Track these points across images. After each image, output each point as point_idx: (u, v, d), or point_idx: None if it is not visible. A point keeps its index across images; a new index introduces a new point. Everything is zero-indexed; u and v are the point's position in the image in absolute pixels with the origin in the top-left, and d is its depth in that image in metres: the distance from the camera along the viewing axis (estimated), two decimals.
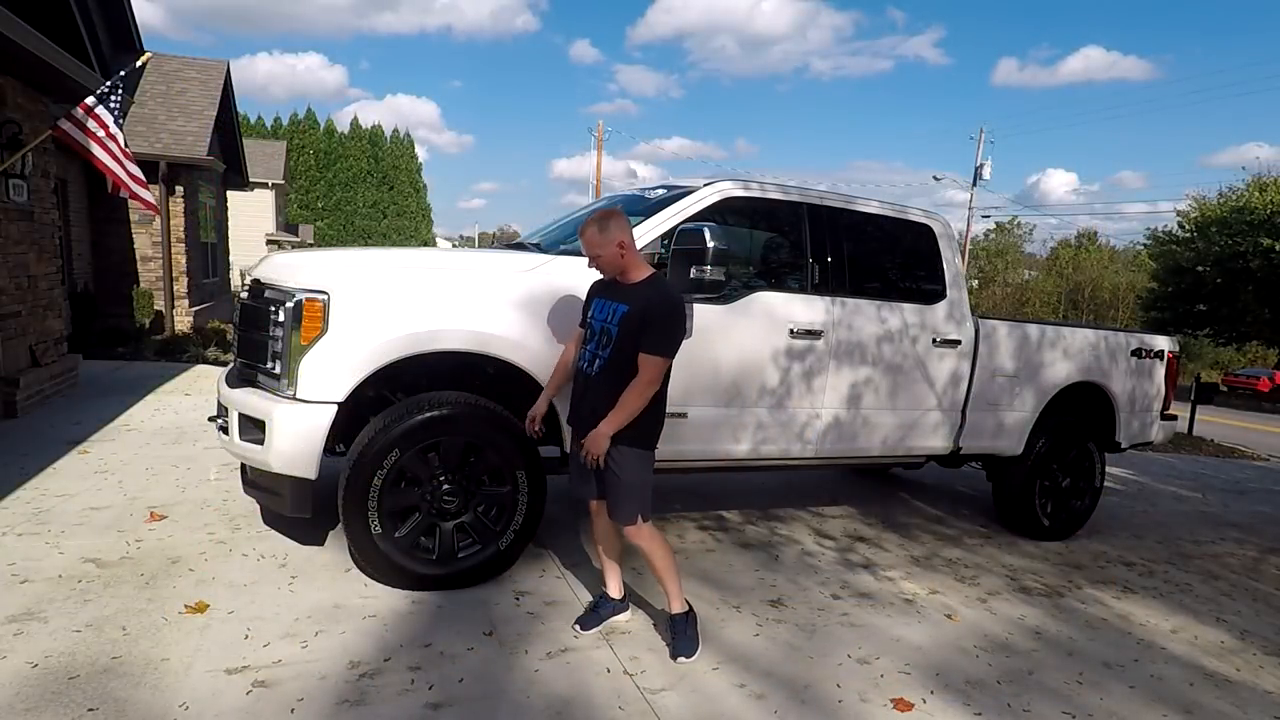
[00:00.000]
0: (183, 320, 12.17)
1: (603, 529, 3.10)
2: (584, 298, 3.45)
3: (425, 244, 43.20)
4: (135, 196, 6.32)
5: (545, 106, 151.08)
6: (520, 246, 4.38)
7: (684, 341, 3.65)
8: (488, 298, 3.28)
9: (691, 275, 3.26)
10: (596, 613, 3.15)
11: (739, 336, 3.77)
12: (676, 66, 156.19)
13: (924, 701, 2.81)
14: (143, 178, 6.37)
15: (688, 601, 3.05)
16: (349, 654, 2.73)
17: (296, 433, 3.02)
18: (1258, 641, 3.77)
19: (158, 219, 11.64)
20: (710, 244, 3.22)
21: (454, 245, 51.92)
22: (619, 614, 3.19)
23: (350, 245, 37.76)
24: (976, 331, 4.58)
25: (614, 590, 3.20)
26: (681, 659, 2.91)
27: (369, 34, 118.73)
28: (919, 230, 4.52)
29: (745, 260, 4.11)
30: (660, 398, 2.87)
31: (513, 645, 2.91)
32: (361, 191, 44.30)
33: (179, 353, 10.00)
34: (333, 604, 3.09)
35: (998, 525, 5.27)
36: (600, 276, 2.98)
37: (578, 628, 3.08)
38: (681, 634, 2.98)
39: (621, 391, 2.77)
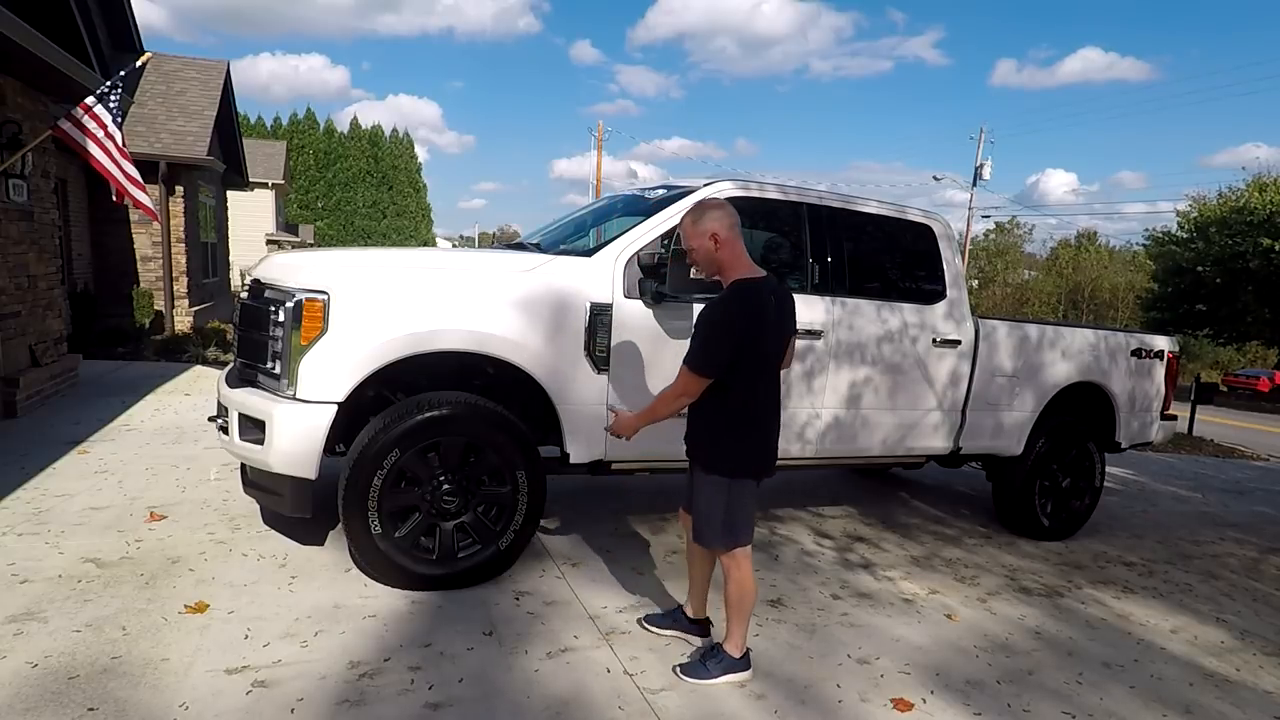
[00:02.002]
0: (183, 320, 12.17)
1: (688, 541, 2.99)
2: (583, 299, 3.46)
3: (425, 244, 43.21)
4: (135, 201, 6.27)
5: (546, 107, 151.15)
6: (520, 246, 4.38)
7: (684, 342, 3.66)
8: (487, 298, 3.28)
9: (691, 275, 3.26)
10: (670, 616, 3.12)
11: None
12: (677, 67, 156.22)
13: (924, 701, 2.81)
14: (140, 180, 6.35)
15: (748, 650, 2.85)
16: (349, 654, 2.73)
17: (296, 433, 3.02)
18: (1258, 641, 3.77)
19: (157, 220, 11.63)
20: None
21: (454, 245, 51.91)
22: (691, 634, 3.07)
23: (350, 245, 37.78)
24: (976, 331, 4.58)
25: (691, 610, 3.09)
26: (683, 675, 2.78)
27: (371, 35, 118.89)
28: (919, 230, 4.52)
29: None
30: (736, 422, 2.64)
31: (513, 645, 2.91)
32: (361, 191, 44.32)
33: (179, 353, 10.00)
34: (333, 604, 3.09)
35: (998, 525, 5.27)
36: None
37: (645, 623, 3.10)
38: (711, 659, 2.81)
39: (701, 407, 2.68)
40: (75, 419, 5.94)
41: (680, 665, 2.84)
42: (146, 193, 6.45)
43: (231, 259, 17.53)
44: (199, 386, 7.81)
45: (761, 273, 2.69)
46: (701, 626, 3.08)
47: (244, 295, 3.48)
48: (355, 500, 3.09)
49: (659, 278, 3.44)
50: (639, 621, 3.14)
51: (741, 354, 2.58)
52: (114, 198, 6.42)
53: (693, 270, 3.26)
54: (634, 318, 3.51)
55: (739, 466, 2.69)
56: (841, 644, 3.21)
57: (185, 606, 2.97)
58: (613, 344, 3.47)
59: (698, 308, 3.57)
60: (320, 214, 42.86)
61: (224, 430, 3.30)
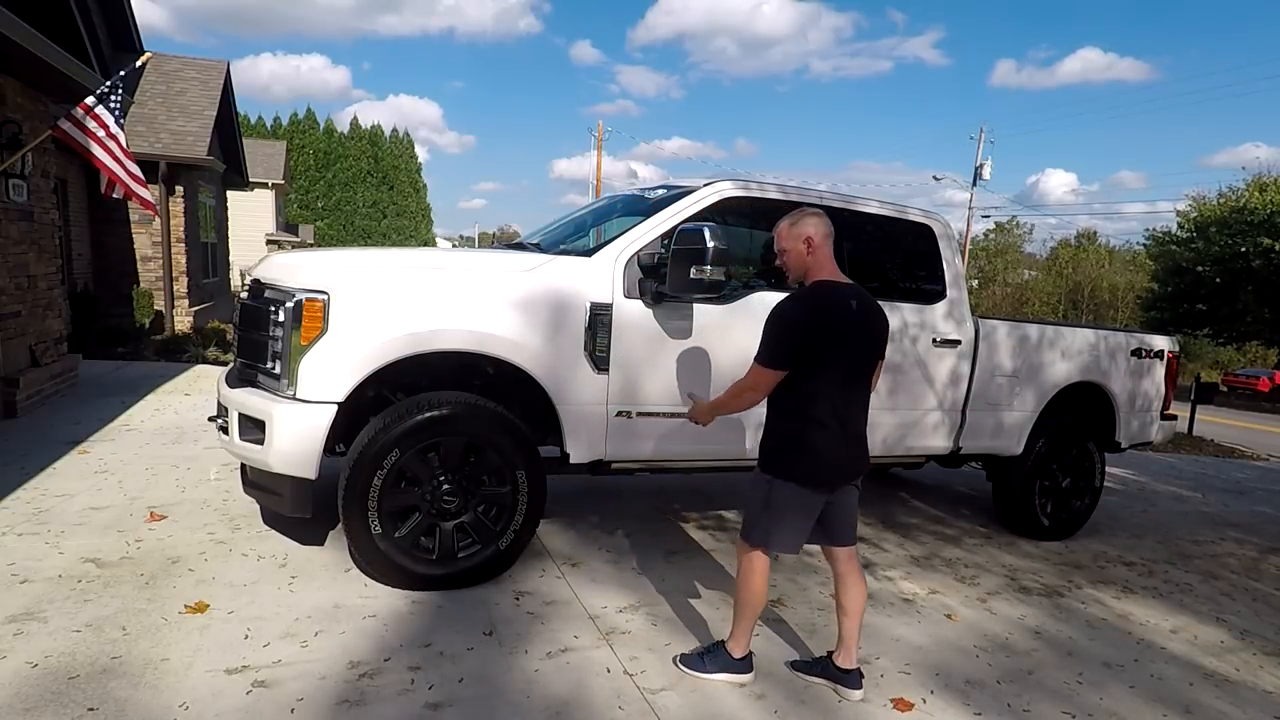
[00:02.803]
0: (183, 320, 12.17)
1: (836, 577, 2.86)
2: (583, 299, 3.45)
3: (425, 244, 43.21)
4: (133, 195, 6.27)
5: (546, 107, 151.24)
6: (520, 246, 4.38)
7: (684, 341, 3.65)
8: (487, 298, 3.28)
9: (691, 275, 3.27)
10: (818, 663, 2.91)
11: (739, 336, 3.76)
12: (677, 67, 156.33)
13: (924, 701, 2.81)
14: (142, 177, 6.36)
15: (751, 652, 2.83)
16: (349, 654, 2.73)
17: (296, 433, 3.02)
18: (1257, 641, 3.77)
19: (157, 219, 11.64)
20: (710, 244, 3.22)
21: (454, 245, 51.91)
22: (841, 685, 2.80)
23: (350, 245, 37.77)
24: (976, 331, 4.58)
25: (841, 660, 2.82)
26: (682, 666, 2.82)
27: (371, 35, 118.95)
28: (919, 230, 4.52)
29: (745, 260, 4.11)
30: (792, 424, 2.61)
31: (513, 645, 2.91)
32: (361, 191, 44.32)
33: (179, 353, 10.00)
34: (333, 604, 3.09)
35: (998, 525, 5.27)
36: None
37: (794, 670, 2.90)
38: (709, 656, 2.81)
39: (773, 404, 2.67)
40: (75, 419, 5.94)
41: (680, 655, 2.88)
42: (148, 189, 6.44)
43: (231, 259, 17.52)
44: (199, 386, 7.81)
45: (847, 280, 2.69)
46: (852, 675, 2.81)
47: (244, 295, 3.48)
48: (355, 500, 3.09)
49: (659, 278, 3.44)
50: (789, 665, 2.95)
51: (805, 353, 2.55)
52: (103, 189, 6.34)
53: (692, 270, 3.27)
54: (634, 318, 3.51)
55: (786, 469, 2.63)
56: None
57: (185, 606, 2.97)
58: (613, 344, 3.47)
59: (698, 308, 3.59)
60: (320, 214, 42.86)
61: (224, 430, 3.30)
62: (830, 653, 2.88)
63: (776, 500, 2.64)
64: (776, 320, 2.60)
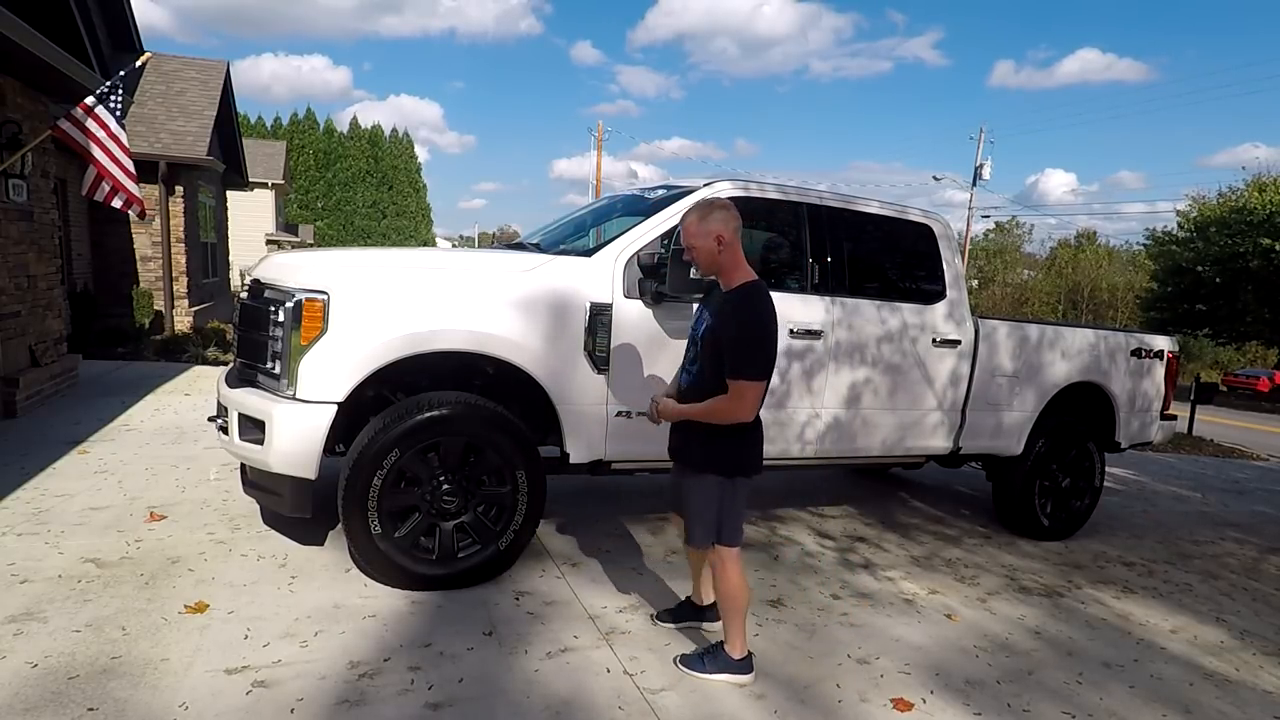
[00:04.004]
0: (182, 320, 12.17)
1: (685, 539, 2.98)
2: (583, 299, 3.45)
3: (425, 244, 43.21)
4: (123, 188, 6.12)
5: (546, 107, 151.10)
6: (520, 246, 4.38)
7: (684, 342, 3.64)
8: (487, 298, 3.28)
9: (691, 275, 3.26)
10: (677, 611, 3.18)
11: None
12: (677, 68, 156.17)
13: (924, 701, 2.81)
14: (134, 173, 6.29)
15: (750, 652, 2.83)
16: (349, 654, 2.73)
17: (296, 433, 3.02)
18: (1257, 641, 3.77)
19: (157, 219, 11.63)
20: None
21: (454, 245, 51.92)
22: (704, 621, 3.12)
23: (350, 245, 37.77)
24: (976, 331, 4.58)
25: (699, 596, 3.17)
26: (682, 667, 2.82)
27: (373, 36, 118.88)
28: (919, 230, 4.52)
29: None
30: (743, 426, 2.62)
31: (513, 645, 2.91)
32: (361, 191, 44.33)
33: (179, 353, 10.00)
34: (333, 604, 3.09)
35: (998, 525, 5.27)
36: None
37: (657, 621, 3.16)
38: (709, 657, 2.82)
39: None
40: (75, 419, 5.94)
41: (680, 656, 2.89)
42: (138, 183, 6.36)
43: (231, 259, 17.52)
44: (199, 386, 7.81)
45: (756, 275, 2.69)
46: (711, 610, 3.08)
47: (244, 295, 3.48)
48: (355, 500, 3.09)
49: (659, 278, 3.44)
50: (653, 618, 3.19)
51: None
52: (84, 189, 6.23)
53: (692, 270, 3.27)
54: (634, 318, 3.51)
55: (737, 466, 2.69)
56: (841, 644, 3.21)
57: (185, 606, 2.96)
58: (612, 344, 3.47)
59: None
60: (320, 214, 42.87)
61: (224, 430, 3.30)
62: (689, 597, 3.19)
63: (735, 496, 2.71)
64: (759, 331, 2.56)
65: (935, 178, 56.33)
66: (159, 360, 9.62)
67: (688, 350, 2.85)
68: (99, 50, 8.50)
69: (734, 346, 2.54)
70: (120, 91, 5.99)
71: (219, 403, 3.41)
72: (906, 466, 5.61)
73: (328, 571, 3.40)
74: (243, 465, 3.47)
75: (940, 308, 4.45)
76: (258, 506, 4.04)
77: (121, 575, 3.21)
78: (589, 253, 3.62)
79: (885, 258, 4.57)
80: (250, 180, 18.13)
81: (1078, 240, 53.74)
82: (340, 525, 3.18)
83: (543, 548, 3.93)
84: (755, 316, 2.56)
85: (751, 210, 4.10)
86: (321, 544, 3.71)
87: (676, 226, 3.54)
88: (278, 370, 3.12)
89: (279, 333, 3.10)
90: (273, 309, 3.14)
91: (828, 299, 4.04)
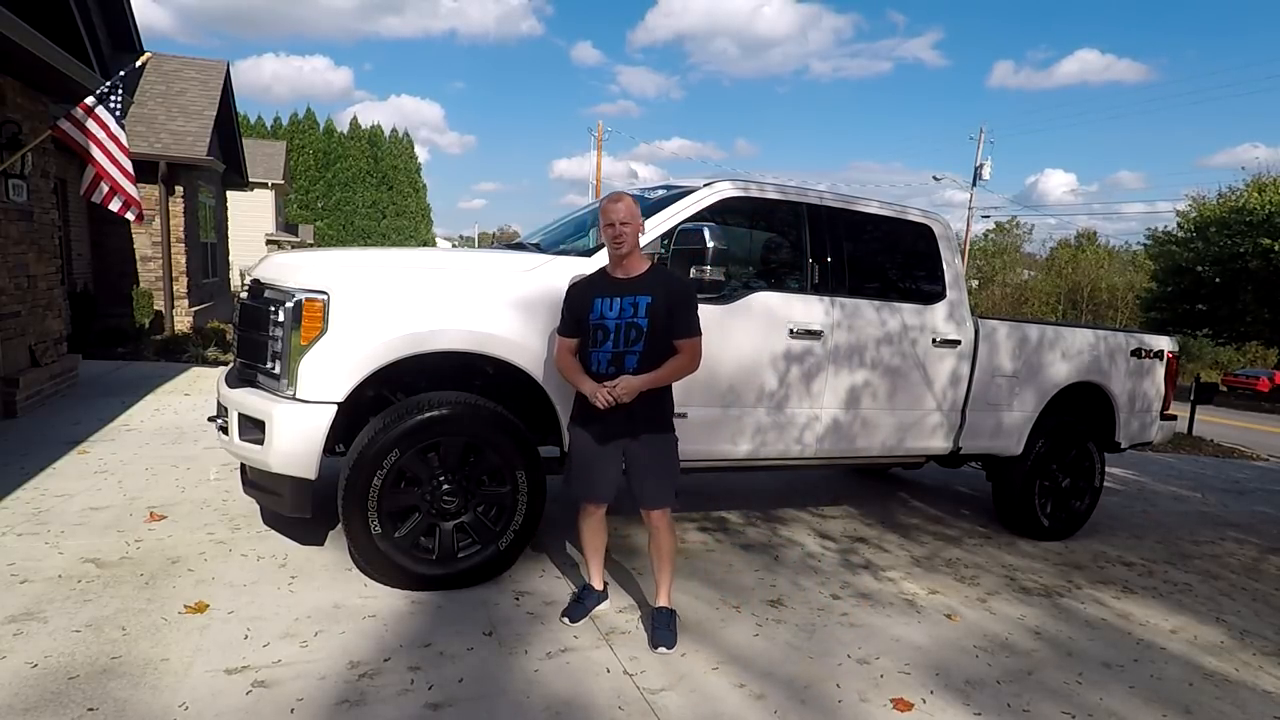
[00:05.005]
0: (182, 320, 12.17)
1: (595, 526, 3.17)
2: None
3: (425, 244, 43.20)
4: (120, 189, 6.10)
5: (547, 107, 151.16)
6: (520, 247, 4.38)
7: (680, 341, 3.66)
8: (487, 298, 3.28)
9: (691, 275, 3.27)
10: (583, 604, 3.21)
11: (738, 337, 3.77)
12: (677, 68, 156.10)
13: (924, 701, 2.81)
14: (133, 174, 6.27)
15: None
16: (349, 654, 2.73)
17: (296, 433, 3.02)
18: (1257, 641, 3.77)
19: (157, 219, 11.63)
20: (710, 244, 3.23)
21: (454, 245, 51.92)
22: (601, 604, 3.27)
23: (350, 245, 37.78)
24: (976, 332, 4.58)
25: (598, 582, 3.29)
26: (662, 649, 2.96)
27: (373, 37, 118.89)
28: (919, 230, 4.52)
29: (745, 260, 4.11)
30: (669, 386, 3.02)
31: (513, 645, 2.91)
32: (361, 191, 44.32)
33: (179, 353, 10.00)
34: (333, 604, 3.09)
35: (998, 525, 5.27)
36: (578, 277, 3.02)
37: (566, 619, 3.15)
38: (664, 626, 3.04)
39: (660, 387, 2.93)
40: (75, 419, 5.94)
41: (653, 643, 3.00)
42: (137, 184, 6.34)
43: (231, 259, 17.51)
44: (199, 386, 7.81)
45: None
46: (604, 591, 3.30)
47: (244, 295, 3.48)
48: (355, 500, 3.09)
49: None
50: (561, 618, 3.16)
51: None
52: (83, 190, 6.21)
53: (693, 269, 3.29)
54: None
55: (673, 423, 3.05)
56: (841, 644, 3.21)
57: (185, 606, 2.96)
58: None
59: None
60: (320, 214, 42.86)
61: (224, 430, 3.30)
62: (586, 585, 3.29)
63: (678, 452, 3.05)
64: (694, 296, 2.93)
65: (935, 178, 56.35)
66: (159, 360, 9.62)
67: (615, 336, 2.87)
68: (99, 50, 8.50)
69: (684, 312, 2.87)
70: (120, 91, 5.99)
71: (219, 403, 3.41)
72: (907, 466, 5.61)
73: (328, 571, 3.40)
74: (243, 465, 3.47)
75: (940, 308, 4.45)
76: (258, 506, 4.04)
77: (121, 575, 3.21)
78: (589, 253, 3.61)
79: (885, 258, 4.57)
80: (250, 180, 18.12)
81: (1077, 240, 53.76)
82: (340, 525, 3.18)
83: (543, 548, 3.93)
84: (687, 283, 3.04)
85: (751, 210, 4.11)
86: (321, 544, 3.71)
87: (677, 226, 3.55)
88: (278, 370, 3.12)
89: (279, 333, 3.10)
90: (273, 309, 3.14)
91: (827, 299, 4.04)
